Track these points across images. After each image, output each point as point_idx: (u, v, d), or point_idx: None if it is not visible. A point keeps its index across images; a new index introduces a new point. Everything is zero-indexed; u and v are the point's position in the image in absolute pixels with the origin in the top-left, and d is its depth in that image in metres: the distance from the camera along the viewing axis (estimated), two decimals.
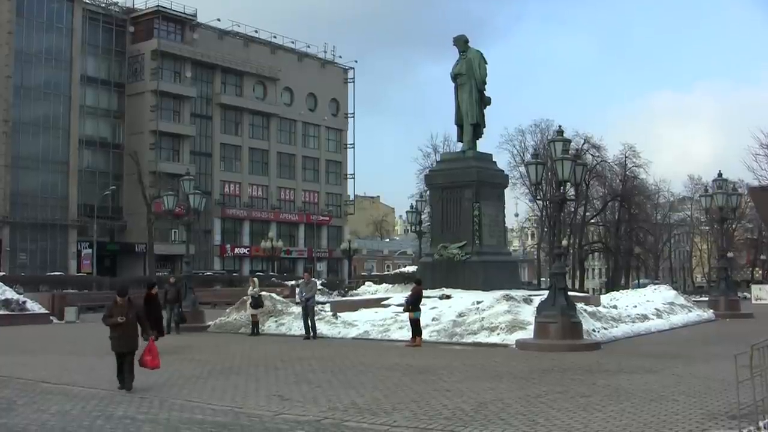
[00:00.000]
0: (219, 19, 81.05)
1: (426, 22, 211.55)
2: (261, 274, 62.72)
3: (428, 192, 37.26)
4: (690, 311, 30.21)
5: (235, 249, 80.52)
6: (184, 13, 77.92)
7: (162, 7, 75.41)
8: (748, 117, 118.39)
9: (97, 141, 72.94)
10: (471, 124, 31.70)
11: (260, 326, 25.59)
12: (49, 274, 55.25)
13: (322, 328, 24.36)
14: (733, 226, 73.94)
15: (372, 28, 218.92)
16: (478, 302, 24.24)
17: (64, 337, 26.06)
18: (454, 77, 32.22)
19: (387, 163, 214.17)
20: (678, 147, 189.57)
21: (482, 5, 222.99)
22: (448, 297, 26.60)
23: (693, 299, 37.05)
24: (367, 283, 46.75)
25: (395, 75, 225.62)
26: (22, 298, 33.92)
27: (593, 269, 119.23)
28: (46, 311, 34.23)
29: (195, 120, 78.37)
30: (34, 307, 33.71)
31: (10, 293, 33.79)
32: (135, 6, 76.24)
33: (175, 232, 71.40)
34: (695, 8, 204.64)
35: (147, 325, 13.61)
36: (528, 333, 20.48)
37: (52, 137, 66.53)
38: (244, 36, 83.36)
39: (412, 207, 45.76)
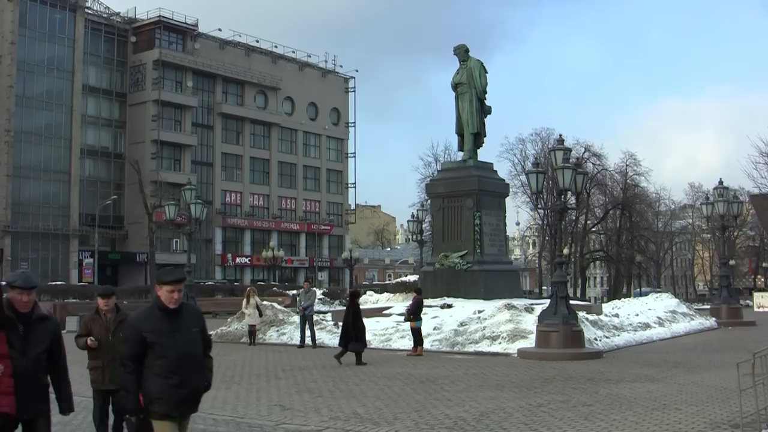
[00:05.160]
0: (220, 29, 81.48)
1: (434, 28, 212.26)
2: (262, 283, 62.80)
3: (429, 201, 37.29)
4: (692, 319, 30.15)
5: (237, 258, 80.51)
6: (186, 23, 78.14)
7: (163, 17, 75.61)
8: (757, 123, 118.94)
9: (98, 150, 73.06)
10: (472, 133, 31.78)
11: (260, 335, 25.55)
12: (50, 283, 55.20)
13: (323, 337, 24.32)
14: (735, 233, 73.91)
15: (378, 34, 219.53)
16: (480, 311, 24.23)
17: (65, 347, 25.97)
18: (455, 86, 32.32)
19: (388, 171, 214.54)
20: (686, 154, 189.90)
21: (493, 11, 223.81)
22: (450, 306, 26.60)
23: (695, 307, 37.01)
24: (368, 292, 46.70)
25: (400, 82, 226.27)
26: None
27: (595, 278, 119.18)
28: None
29: (196, 129, 78.49)
30: None
31: None
32: (137, 16, 76.46)
33: (176, 241, 71.41)
34: (705, 14, 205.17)
35: None
36: (530, 342, 20.46)
37: (54, 147, 66.72)
38: (245, 46, 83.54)
39: (413, 216, 45.78)
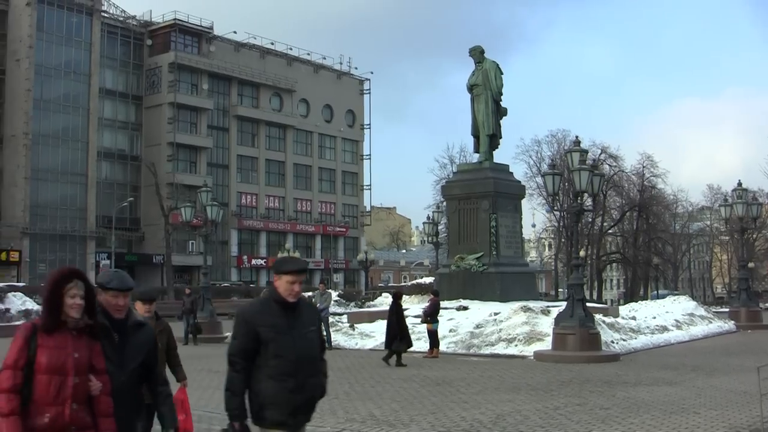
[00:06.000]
0: (235, 32, 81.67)
1: (450, 29, 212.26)
2: None
3: (445, 203, 37.21)
4: (710, 322, 29.94)
5: (252, 260, 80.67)
6: (201, 26, 78.39)
7: (179, 20, 75.90)
8: None
9: (115, 153, 73.44)
10: (487, 134, 31.68)
11: None
12: None
13: (339, 339, 24.31)
14: (754, 236, 73.39)
15: (393, 36, 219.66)
16: (496, 313, 24.16)
17: None
18: (470, 88, 32.23)
19: (403, 173, 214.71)
20: (704, 155, 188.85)
21: (509, 12, 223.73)
22: (466, 308, 26.55)
23: (713, 310, 36.74)
24: (383, 294, 46.67)
25: (415, 83, 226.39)
26: (41, 308, 34.05)
27: (611, 280, 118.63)
28: None
29: (212, 132, 78.69)
30: None
31: (30, 304, 34.01)
32: (152, 19, 76.77)
33: (192, 243, 71.65)
34: (723, 15, 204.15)
35: (179, 362, 8.42)
36: (546, 344, 20.37)
37: (71, 149, 67.11)
38: (260, 48, 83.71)
39: (428, 218, 45.71)
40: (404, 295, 38.27)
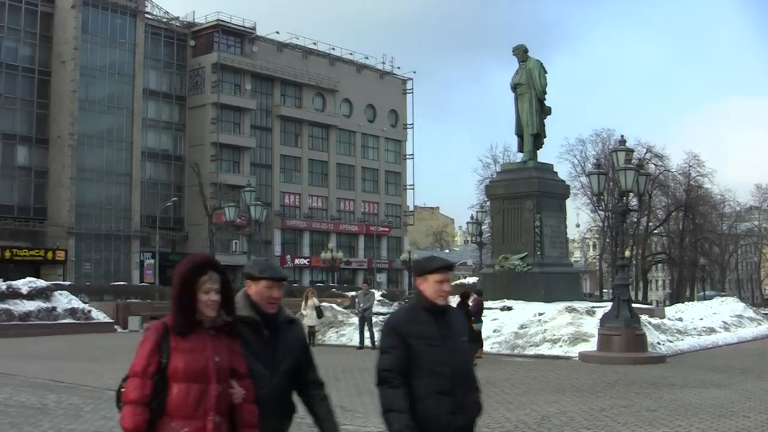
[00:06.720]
0: (278, 32, 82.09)
1: (493, 27, 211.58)
2: (321, 284, 63.03)
3: (489, 203, 37.04)
4: (760, 324, 29.49)
5: (295, 260, 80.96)
6: (244, 27, 78.88)
7: (222, 20, 76.46)
8: None
9: (159, 153, 74.21)
10: (531, 134, 31.50)
11: (319, 336, 25.59)
12: (113, 283, 56.23)
13: None
14: None
15: (436, 34, 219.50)
16: (540, 314, 23.98)
17: (127, 345, 26.27)
18: (514, 87, 32.06)
19: (447, 173, 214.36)
20: (753, 154, 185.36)
21: (553, 9, 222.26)
22: (510, 308, 26.40)
23: (762, 312, 36.16)
24: None
25: (458, 82, 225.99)
26: (87, 307, 34.59)
27: (657, 281, 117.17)
28: (111, 320, 34.85)
29: (255, 132, 79.15)
30: (98, 316, 34.36)
31: (75, 302, 34.52)
32: (195, 20, 77.47)
33: (235, 242, 72.13)
34: None
35: None
36: (591, 345, 20.16)
37: (116, 150, 67.97)
38: (302, 48, 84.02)
39: (472, 217, 45.56)
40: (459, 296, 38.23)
